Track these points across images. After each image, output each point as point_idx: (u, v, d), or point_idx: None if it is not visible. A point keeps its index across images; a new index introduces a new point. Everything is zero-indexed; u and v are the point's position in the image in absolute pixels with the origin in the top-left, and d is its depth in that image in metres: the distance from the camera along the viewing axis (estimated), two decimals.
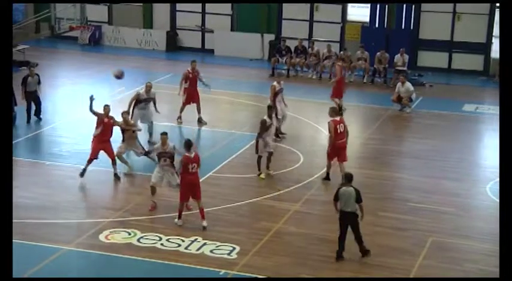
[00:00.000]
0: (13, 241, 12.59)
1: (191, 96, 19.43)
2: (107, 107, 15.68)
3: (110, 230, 13.23)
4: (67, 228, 13.47)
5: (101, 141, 15.60)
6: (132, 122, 16.42)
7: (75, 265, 12.26)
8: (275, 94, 18.31)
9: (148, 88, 17.76)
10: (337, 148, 15.68)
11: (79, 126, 18.58)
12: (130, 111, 17.36)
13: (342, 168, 15.72)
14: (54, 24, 20.20)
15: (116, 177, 15.69)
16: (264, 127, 15.88)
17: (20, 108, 19.23)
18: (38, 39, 27.21)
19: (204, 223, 13.40)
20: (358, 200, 12.30)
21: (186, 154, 13.26)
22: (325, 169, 16.21)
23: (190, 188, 13.36)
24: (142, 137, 17.22)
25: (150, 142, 17.63)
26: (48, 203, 14.67)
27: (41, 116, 19.27)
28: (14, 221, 13.35)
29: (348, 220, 12.29)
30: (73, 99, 20.54)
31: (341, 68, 21.31)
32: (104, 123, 15.53)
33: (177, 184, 13.88)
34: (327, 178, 15.97)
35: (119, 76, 16.98)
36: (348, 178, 12.47)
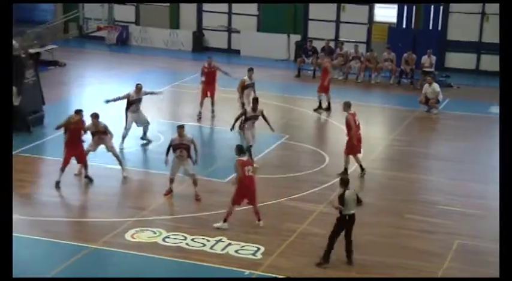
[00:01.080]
0: (40, 238, 12.81)
1: (206, 90, 20.14)
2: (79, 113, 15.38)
3: (136, 229, 13.30)
4: (93, 227, 13.59)
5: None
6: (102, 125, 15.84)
7: (101, 263, 12.34)
8: (243, 87, 19.05)
9: (139, 89, 17.79)
10: (359, 141, 15.96)
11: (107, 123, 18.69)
12: (114, 104, 17.57)
13: (358, 160, 16.08)
14: (82, 25, 20.33)
15: (89, 179, 15.49)
16: (245, 117, 16.48)
17: (48, 107, 19.43)
18: (66, 39, 27.46)
19: (261, 224, 13.55)
20: (359, 201, 12.33)
21: (240, 158, 13.37)
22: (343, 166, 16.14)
23: (246, 192, 13.39)
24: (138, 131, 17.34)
25: (143, 139, 17.98)
26: (75, 202, 14.81)
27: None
28: (41, 219, 13.61)
29: (349, 223, 12.16)
30: (100, 99, 20.62)
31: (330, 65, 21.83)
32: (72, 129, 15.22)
33: (193, 174, 14.58)
34: (345, 172, 15.86)
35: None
36: (346, 182, 12.25)
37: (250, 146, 16.62)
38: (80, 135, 15.50)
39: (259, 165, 15.92)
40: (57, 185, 15.16)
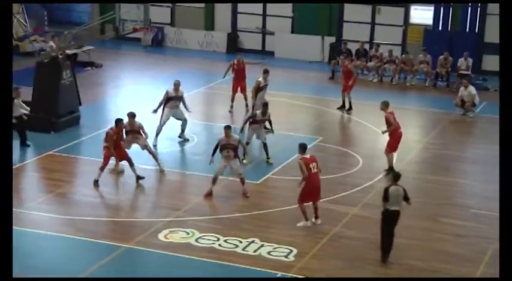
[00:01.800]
0: (75, 237, 12.98)
1: (236, 86, 20.83)
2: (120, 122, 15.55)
3: (169, 230, 13.39)
4: (127, 226, 13.71)
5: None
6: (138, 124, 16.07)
7: (134, 263, 12.46)
8: (258, 89, 18.99)
9: (177, 87, 17.91)
10: (399, 138, 16.31)
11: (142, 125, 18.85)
12: (159, 110, 17.79)
13: (393, 158, 16.41)
14: (118, 26, 20.52)
15: (139, 177, 15.55)
16: (253, 120, 16.82)
17: (85, 108, 19.66)
18: (103, 40, 27.75)
19: (318, 221, 13.74)
20: (407, 198, 12.31)
21: (303, 156, 13.53)
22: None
23: (313, 190, 13.55)
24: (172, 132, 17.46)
25: (180, 137, 18.18)
26: (110, 202, 14.97)
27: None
28: (76, 218, 13.77)
29: (394, 219, 12.27)
30: (136, 100, 20.85)
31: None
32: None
33: (240, 174, 14.90)
34: (391, 169, 16.09)
35: None
36: (396, 178, 12.47)
37: (247, 143, 16.93)
38: (121, 139, 15.70)
39: (272, 161, 16.01)
40: (96, 183, 15.32)
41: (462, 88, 21.84)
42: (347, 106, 21.45)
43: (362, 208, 14.60)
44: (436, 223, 14.13)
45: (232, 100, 20.83)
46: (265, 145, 16.81)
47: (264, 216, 14.15)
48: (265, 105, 17.19)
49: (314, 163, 13.56)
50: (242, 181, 14.98)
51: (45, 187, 15.58)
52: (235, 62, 21.10)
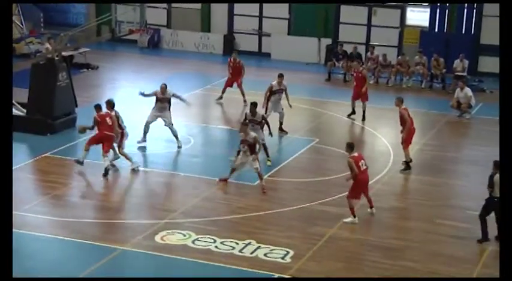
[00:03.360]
0: (71, 239, 12.94)
1: (231, 81, 21.81)
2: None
3: (166, 232, 13.36)
4: (123, 228, 13.68)
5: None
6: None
7: (130, 265, 12.43)
8: (271, 93, 18.93)
9: (163, 90, 17.89)
10: (412, 134, 16.85)
11: (137, 127, 18.83)
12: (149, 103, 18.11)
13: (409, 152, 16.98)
14: (114, 28, 20.52)
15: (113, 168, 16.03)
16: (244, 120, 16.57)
17: (81, 110, 19.63)
18: (99, 42, 27.73)
19: (373, 210, 14.19)
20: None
21: (352, 155, 13.75)
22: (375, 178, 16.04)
23: (362, 186, 13.84)
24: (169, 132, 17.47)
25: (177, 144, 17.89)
26: (106, 204, 14.93)
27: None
28: (72, 220, 13.74)
29: (495, 206, 12.70)
30: (132, 102, 20.80)
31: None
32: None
33: (257, 168, 15.19)
34: (408, 167, 16.77)
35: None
36: (498, 165, 12.77)
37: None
38: (103, 124, 15.96)
39: (288, 168, 15.94)
40: (106, 172, 15.67)
41: (458, 90, 21.86)
42: (353, 114, 20.78)
43: (358, 210, 14.57)
44: (432, 225, 14.12)
45: (223, 92, 21.75)
46: (264, 146, 16.74)
47: (260, 218, 14.14)
48: (253, 104, 16.82)
49: (362, 160, 13.87)
50: (260, 177, 15.31)
51: (41, 189, 15.55)
52: (231, 60, 21.81)
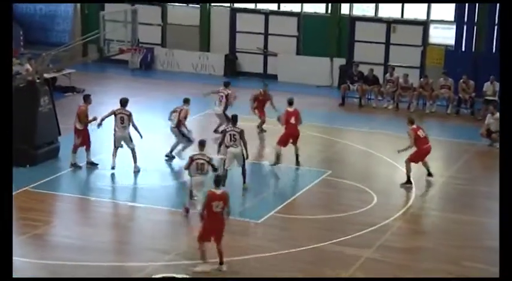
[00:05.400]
0: None
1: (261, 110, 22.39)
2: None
3: (160, 275, 13.35)
4: (111, 272, 13.67)
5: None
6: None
7: None
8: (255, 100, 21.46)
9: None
10: (424, 153, 18.01)
11: (127, 158, 18.94)
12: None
13: (426, 164, 18.19)
14: (102, 47, 20.72)
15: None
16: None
17: (65, 138, 19.75)
18: (85, 62, 27.97)
19: (224, 268, 13.55)
20: None
21: (212, 190, 13.41)
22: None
23: (211, 229, 13.43)
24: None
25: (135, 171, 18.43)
26: (92, 244, 14.94)
27: None
28: (52, 262, 13.75)
29: None
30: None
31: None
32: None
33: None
34: (408, 181, 17.90)
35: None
36: None
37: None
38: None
39: (297, 204, 15.97)
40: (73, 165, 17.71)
41: (489, 116, 21.93)
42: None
43: (377, 251, 14.59)
44: (458, 267, 14.11)
45: (263, 122, 22.04)
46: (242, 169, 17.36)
47: (266, 260, 14.14)
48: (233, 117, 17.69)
49: (219, 202, 13.37)
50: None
51: (20, 228, 15.52)
52: (262, 92, 22.28)
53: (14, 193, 17.00)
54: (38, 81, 19.14)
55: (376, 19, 28.16)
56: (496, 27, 26.61)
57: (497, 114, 21.79)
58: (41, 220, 15.72)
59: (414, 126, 17.90)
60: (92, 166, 18.70)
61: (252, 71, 29.53)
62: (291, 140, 19.15)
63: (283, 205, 16.85)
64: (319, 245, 14.79)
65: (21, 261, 13.88)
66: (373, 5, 28.19)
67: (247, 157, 17.36)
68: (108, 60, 26.70)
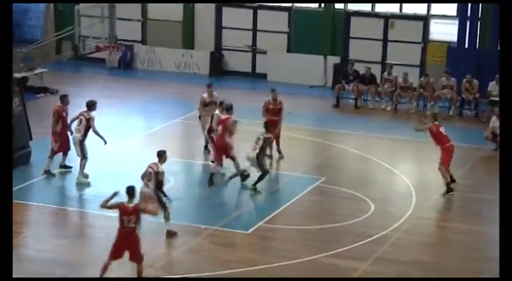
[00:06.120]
0: None
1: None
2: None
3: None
4: None
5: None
6: None
7: None
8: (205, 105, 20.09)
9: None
10: (452, 151, 18.37)
11: (104, 164, 18.91)
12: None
13: (447, 173, 18.25)
14: (78, 44, 20.67)
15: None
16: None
17: (36, 143, 19.70)
18: (59, 61, 27.88)
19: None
20: None
21: (123, 203, 13.27)
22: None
23: (122, 246, 13.30)
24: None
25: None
26: (67, 257, 14.91)
27: None
28: (26, 277, 13.69)
29: None
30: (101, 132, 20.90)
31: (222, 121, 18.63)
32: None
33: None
34: (449, 189, 18.06)
35: None
36: None
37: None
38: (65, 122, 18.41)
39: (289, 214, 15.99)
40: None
41: (494, 118, 22.00)
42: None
43: (374, 263, 14.62)
44: None
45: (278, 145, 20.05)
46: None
47: (255, 273, 14.15)
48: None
49: (132, 216, 13.17)
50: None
51: None
52: (270, 99, 20.14)
53: None
54: None
55: (373, 14, 28.23)
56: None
57: None
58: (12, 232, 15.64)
59: (436, 122, 18.38)
60: (66, 168, 18.65)
61: (239, 70, 29.52)
62: (223, 155, 18.11)
63: (274, 214, 16.85)
64: (313, 258, 14.81)
65: None
66: None
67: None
68: (83, 59, 26.68)
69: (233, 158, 18.08)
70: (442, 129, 18.47)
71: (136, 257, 13.33)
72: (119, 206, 13.22)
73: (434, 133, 18.31)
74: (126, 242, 13.31)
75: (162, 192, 15.52)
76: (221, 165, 18.07)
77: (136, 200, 13.56)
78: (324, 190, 18.39)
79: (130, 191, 13.35)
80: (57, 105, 18.85)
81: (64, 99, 18.94)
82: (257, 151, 17.56)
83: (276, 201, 17.69)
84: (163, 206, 15.30)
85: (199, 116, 20.40)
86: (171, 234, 15.40)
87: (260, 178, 17.73)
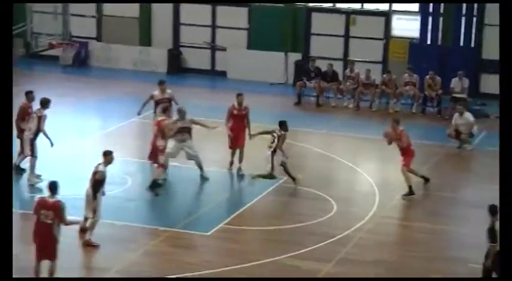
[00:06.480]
0: None
1: (236, 140, 19.47)
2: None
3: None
4: None
5: None
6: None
7: None
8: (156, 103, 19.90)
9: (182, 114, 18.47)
10: (413, 155, 18.42)
11: (58, 165, 18.77)
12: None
13: (410, 175, 18.23)
14: (30, 41, 20.54)
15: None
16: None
17: None
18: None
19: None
20: None
21: (44, 197, 13.03)
22: (360, 224, 16.23)
23: (37, 242, 13.00)
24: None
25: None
26: (26, 263, 14.76)
27: None
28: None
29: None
30: (52, 135, 20.74)
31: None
32: None
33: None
34: (411, 192, 17.94)
35: None
36: (494, 211, 13.05)
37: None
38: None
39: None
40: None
41: (457, 115, 22.21)
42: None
43: (337, 265, 14.70)
44: None
45: (233, 155, 19.34)
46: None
47: (216, 276, 14.16)
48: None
49: (49, 212, 12.82)
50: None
51: None
52: (236, 105, 19.15)
53: None
54: None
55: (334, 10, 28.40)
56: (463, 18, 27.04)
57: (467, 115, 22.09)
58: None
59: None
60: (18, 171, 18.41)
61: (198, 68, 29.52)
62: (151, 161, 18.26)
63: (234, 215, 16.86)
64: (274, 259, 14.83)
65: None
66: None
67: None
68: (36, 56, 26.52)
69: (157, 163, 17.85)
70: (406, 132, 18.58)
71: (51, 255, 12.92)
72: (39, 199, 13.02)
73: (407, 136, 18.35)
74: (40, 238, 12.89)
75: (98, 192, 15.18)
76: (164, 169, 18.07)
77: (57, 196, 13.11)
78: (285, 190, 18.43)
79: (52, 186, 13.04)
80: (23, 102, 18.76)
81: (29, 95, 18.83)
82: (272, 149, 17.97)
83: (237, 202, 17.72)
84: (94, 212, 14.99)
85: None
86: (88, 243, 15.07)
87: (265, 177, 17.99)
